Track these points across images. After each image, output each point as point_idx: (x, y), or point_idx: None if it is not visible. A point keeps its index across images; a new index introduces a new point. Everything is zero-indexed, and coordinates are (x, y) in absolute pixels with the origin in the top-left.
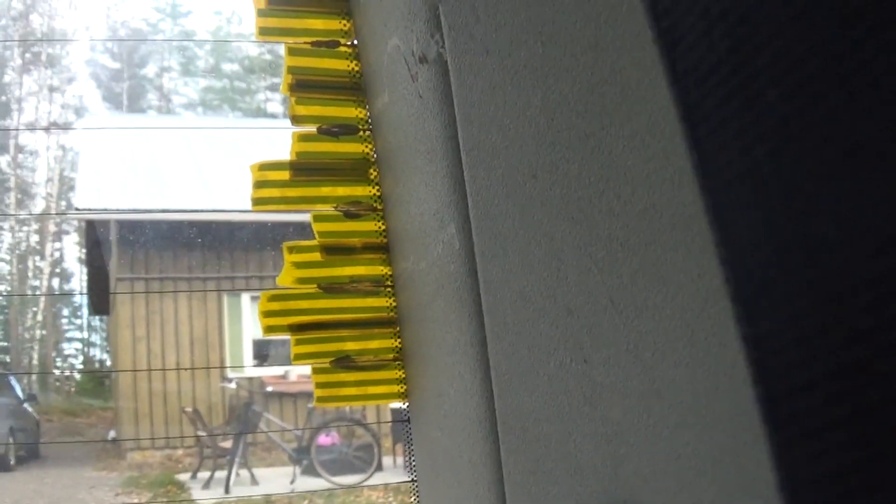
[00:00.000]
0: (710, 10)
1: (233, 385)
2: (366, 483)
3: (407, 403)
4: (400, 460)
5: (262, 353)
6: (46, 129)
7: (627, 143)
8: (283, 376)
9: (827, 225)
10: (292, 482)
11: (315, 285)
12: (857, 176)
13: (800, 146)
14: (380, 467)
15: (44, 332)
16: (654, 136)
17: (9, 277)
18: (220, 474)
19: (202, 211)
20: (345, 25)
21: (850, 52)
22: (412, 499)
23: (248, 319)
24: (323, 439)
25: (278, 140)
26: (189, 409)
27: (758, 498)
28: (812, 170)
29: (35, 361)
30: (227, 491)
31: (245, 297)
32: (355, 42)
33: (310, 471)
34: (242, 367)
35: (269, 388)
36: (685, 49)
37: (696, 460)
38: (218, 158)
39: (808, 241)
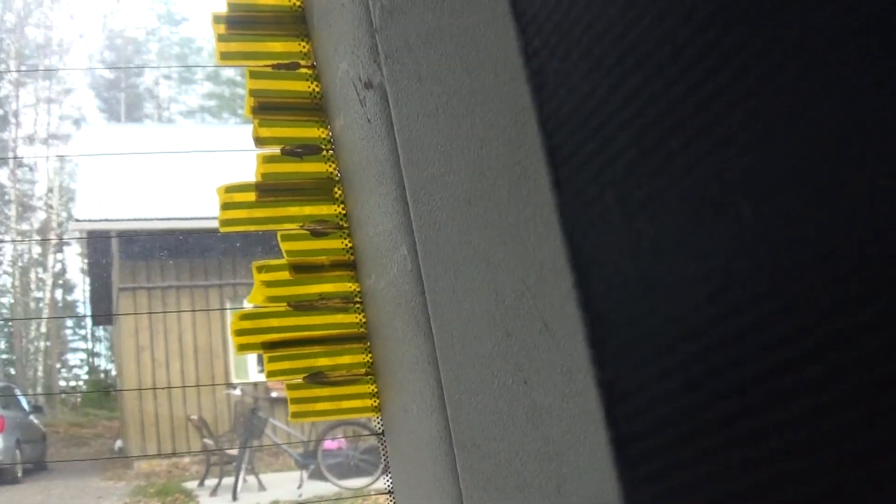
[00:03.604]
0: (571, 54)
1: (237, 391)
2: (373, 486)
3: (380, 417)
4: None
5: None
6: (45, 142)
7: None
8: None
9: (665, 271)
10: (300, 487)
11: (285, 304)
12: (692, 223)
13: (643, 192)
14: (387, 470)
15: (48, 343)
16: None
17: (11, 290)
18: (228, 481)
19: (201, 219)
20: (304, 47)
21: (687, 96)
22: None
23: None
24: (329, 443)
25: None
26: (194, 417)
27: None
28: (653, 215)
29: (40, 373)
30: (234, 498)
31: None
32: (314, 63)
33: (317, 475)
34: (247, 373)
35: (274, 394)
36: (550, 92)
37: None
38: (217, 165)
39: (649, 288)
